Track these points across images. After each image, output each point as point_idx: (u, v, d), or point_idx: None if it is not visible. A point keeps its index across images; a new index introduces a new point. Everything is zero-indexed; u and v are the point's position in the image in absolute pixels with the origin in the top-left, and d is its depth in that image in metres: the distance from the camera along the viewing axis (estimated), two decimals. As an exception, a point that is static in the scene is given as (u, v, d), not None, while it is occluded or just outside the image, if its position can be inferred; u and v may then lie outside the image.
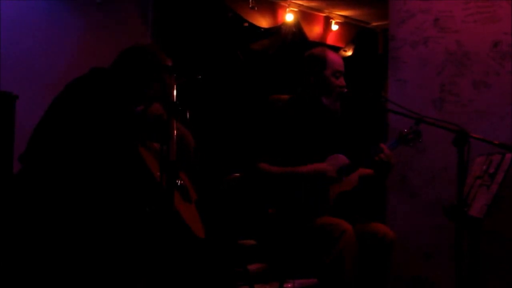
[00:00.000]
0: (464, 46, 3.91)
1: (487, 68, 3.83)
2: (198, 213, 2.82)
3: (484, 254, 3.36)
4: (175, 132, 2.56)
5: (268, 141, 3.17)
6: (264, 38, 6.09)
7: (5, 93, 3.45)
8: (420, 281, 3.98)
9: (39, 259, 2.46)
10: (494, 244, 3.63)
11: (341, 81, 3.25)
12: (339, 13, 6.79)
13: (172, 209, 2.34)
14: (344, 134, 3.34)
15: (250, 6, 5.87)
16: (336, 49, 6.62)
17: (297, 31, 6.34)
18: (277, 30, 6.20)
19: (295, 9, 6.34)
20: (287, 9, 6.28)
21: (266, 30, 6.12)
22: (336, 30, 6.82)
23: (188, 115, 2.69)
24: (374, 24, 7.15)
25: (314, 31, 6.67)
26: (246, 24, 5.90)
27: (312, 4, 6.48)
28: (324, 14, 6.74)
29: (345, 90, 3.23)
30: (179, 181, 2.74)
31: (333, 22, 6.78)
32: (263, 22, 6.16)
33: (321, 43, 6.57)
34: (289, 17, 6.27)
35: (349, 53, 6.86)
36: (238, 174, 3.44)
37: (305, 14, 6.54)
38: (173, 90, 2.50)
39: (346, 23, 6.93)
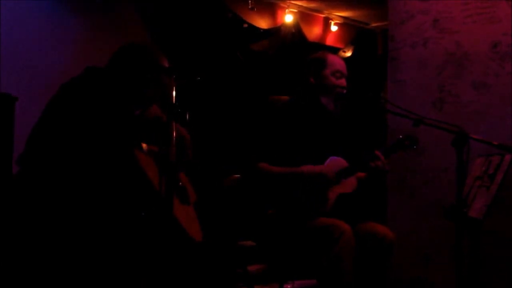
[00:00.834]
0: (463, 47, 3.91)
1: (486, 69, 3.83)
2: (196, 215, 2.82)
3: (484, 255, 3.36)
4: (174, 133, 2.56)
5: (267, 142, 3.17)
6: (264, 39, 6.09)
7: (5, 94, 3.45)
8: (420, 282, 3.97)
9: (38, 260, 2.46)
10: (494, 244, 3.63)
11: (342, 82, 3.25)
12: (338, 14, 6.79)
13: (170, 212, 2.34)
14: (343, 135, 3.34)
15: (250, 7, 5.87)
16: (335, 50, 6.63)
17: (296, 32, 6.35)
18: (277, 31, 6.21)
19: (295, 10, 6.35)
20: (287, 10, 6.29)
21: (266, 31, 6.12)
22: (336, 31, 6.82)
23: (187, 116, 2.69)
24: (374, 25, 7.15)
25: (313, 32, 6.68)
26: (246, 25, 5.90)
27: (312, 5, 6.49)
28: (324, 15, 6.74)
29: (344, 91, 3.24)
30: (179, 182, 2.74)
31: (333, 23, 6.78)
32: (263, 23, 6.16)
33: (320, 44, 6.58)
34: (288, 18, 6.28)
35: (349, 54, 6.87)
36: (237, 175, 3.44)
37: (305, 15, 6.54)
38: (173, 91, 2.49)
39: (345, 24, 6.93)
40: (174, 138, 2.42)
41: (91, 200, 2.46)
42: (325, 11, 6.70)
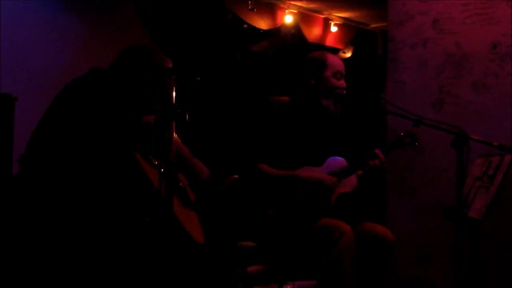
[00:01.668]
0: (463, 48, 3.92)
1: (486, 69, 3.83)
2: (197, 218, 2.82)
3: (484, 255, 3.36)
4: (174, 134, 2.56)
5: (267, 143, 3.17)
6: (264, 39, 6.09)
7: (5, 95, 3.45)
8: (419, 282, 3.98)
9: (38, 261, 2.45)
10: (494, 245, 3.63)
11: (342, 83, 3.25)
12: (338, 14, 6.79)
13: (171, 215, 2.34)
14: (343, 135, 3.34)
15: (250, 7, 5.87)
16: (335, 50, 6.62)
17: (296, 33, 6.34)
18: (276, 32, 6.20)
19: (294, 11, 6.34)
20: (286, 11, 6.28)
21: (265, 31, 6.12)
22: (335, 31, 6.82)
23: (187, 117, 2.69)
24: (373, 25, 7.15)
25: (313, 32, 6.68)
26: (246, 26, 5.90)
27: (311, 5, 6.48)
28: (323, 16, 6.74)
29: (344, 92, 3.24)
30: (178, 183, 2.74)
31: (332, 23, 6.78)
32: (262, 23, 6.16)
33: (320, 45, 6.57)
34: (288, 19, 6.27)
35: (348, 54, 6.86)
36: (237, 176, 3.43)
37: (304, 16, 6.54)
38: (173, 91, 2.50)
39: (345, 25, 6.93)
40: (174, 139, 2.42)
41: (91, 201, 2.46)
42: (325, 12, 6.70)
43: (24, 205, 2.51)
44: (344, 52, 6.85)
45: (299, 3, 6.36)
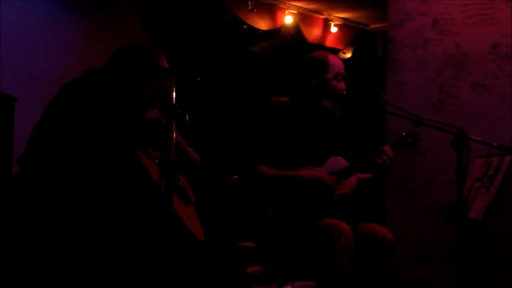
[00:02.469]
0: (463, 48, 3.92)
1: (486, 70, 3.83)
2: (197, 216, 2.82)
3: (484, 256, 3.36)
4: (174, 135, 2.56)
5: (267, 144, 3.17)
6: (263, 40, 6.09)
7: (4, 95, 3.45)
8: (419, 283, 3.97)
9: (38, 262, 2.45)
10: (494, 245, 3.63)
11: (342, 84, 3.25)
12: (338, 15, 6.79)
13: (171, 211, 2.34)
14: (343, 136, 3.34)
15: (249, 8, 5.87)
16: (335, 51, 6.62)
17: (296, 33, 6.35)
18: (276, 32, 6.21)
19: (294, 11, 6.35)
20: (286, 11, 6.29)
21: (265, 32, 6.12)
22: (335, 32, 6.82)
23: (187, 118, 2.69)
24: (373, 26, 7.15)
25: (313, 33, 6.68)
26: (245, 26, 5.90)
27: (311, 6, 6.49)
28: (323, 16, 6.75)
29: (344, 93, 3.23)
30: (179, 183, 2.74)
31: (332, 24, 6.78)
32: (262, 24, 6.16)
33: (320, 45, 6.58)
34: (288, 19, 6.28)
35: (348, 55, 6.87)
36: (236, 177, 3.43)
37: (304, 16, 6.54)
38: (172, 92, 2.49)
39: (345, 25, 6.94)
40: (174, 140, 2.42)
41: (92, 201, 2.46)
42: (325, 13, 6.71)
43: (24, 204, 2.51)
44: (344, 53, 6.85)
45: (299, 4, 6.37)
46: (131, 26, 5.06)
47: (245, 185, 3.32)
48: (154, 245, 2.40)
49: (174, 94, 2.46)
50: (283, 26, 6.26)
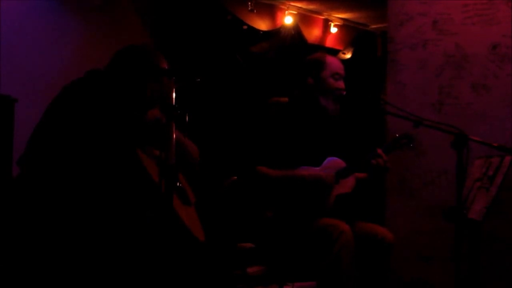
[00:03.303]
0: (463, 49, 3.92)
1: (486, 70, 3.83)
2: (197, 216, 2.82)
3: (484, 256, 3.36)
4: (174, 135, 2.56)
5: (266, 144, 3.17)
6: (263, 41, 6.09)
7: (4, 96, 3.46)
8: (419, 283, 3.97)
9: (39, 263, 2.45)
10: (494, 246, 3.63)
11: (340, 84, 3.26)
12: (338, 15, 6.79)
13: (171, 211, 2.34)
14: (342, 136, 3.34)
15: (249, 8, 5.88)
16: (335, 51, 6.63)
17: (296, 34, 6.35)
18: (276, 33, 6.21)
19: (294, 12, 6.35)
20: (286, 12, 6.29)
21: (265, 32, 6.12)
22: (335, 32, 6.82)
23: (187, 118, 2.69)
24: (373, 26, 7.15)
25: (313, 33, 6.68)
26: (245, 27, 5.90)
27: (311, 6, 6.49)
28: (323, 17, 6.75)
29: (344, 93, 3.24)
30: (178, 183, 2.74)
31: (332, 24, 6.78)
32: (262, 25, 6.16)
33: (320, 46, 6.58)
34: (288, 20, 6.28)
35: (348, 55, 6.87)
36: (236, 177, 3.44)
37: (304, 17, 6.55)
38: (172, 92, 2.50)
39: (345, 26, 6.94)
40: (174, 140, 2.42)
41: (92, 202, 2.46)
42: (325, 13, 6.71)
43: (24, 205, 2.50)
44: (344, 53, 6.85)
45: (299, 4, 6.37)
46: (131, 26, 5.06)
47: (245, 185, 3.33)
48: (154, 246, 2.40)
49: (174, 94, 2.46)
50: (283, 27, 6.26)
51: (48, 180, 2.48)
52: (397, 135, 3.17)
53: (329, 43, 6.84)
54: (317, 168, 3.16)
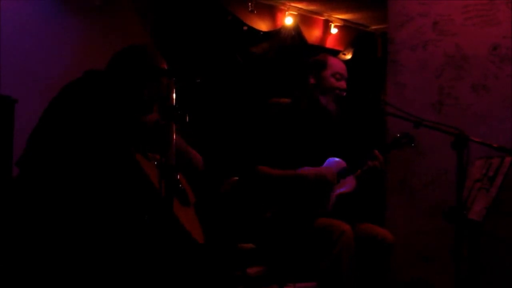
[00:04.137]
0: (463, 49, 3.92)
1: (486, 71, 3.83)
2: (197, 217, 2.82)
3: (484, 257, 3.36)
4: (174, 137, 2.56)
5: (267, 144, 3.17)
6: (264, 41, 6.09)
7: (4, 96, 3.46)
8: (419, 283, 3.97)
9: (38, 263, 2.45)
10: (494, 246, 3.63)
11: (341, 84, 3.26)
12: (338, 16, 6.79)
13: (171, 214, 2.34)
14: (343, 136, 3.34)
15: (250, 9, 5.88)
16: (335, 52, 6.63)
17: (296, 35, 6.35)
18: (277, 34, 6.21)
19: (295, 13, 6.35)
20: (287, 13, 6.29)
21: (266, 33, 6.12)
22: (335, 33, 6.83)
23: (187, 119, 2.69)
24: (373, 27, 7.15)
25: (313, 34, 6.68)
26: (246, 28, 5.90)
27: (312, 7, 6.49)
28: (323, 18, 6.75)
29: (344, 93, 3.25)
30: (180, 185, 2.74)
31: (332, 25, 6.78)
32: (263, 25, 6.16)
33: (320, 47, 6.58)
34: (288, 21, 6.28)
35: (348, 56, 6.87)
36: (236, 177, 3.43)
37: (305, 18, 6.55)
38: (172, 93, 2.50)
39: (345, 27, 6.94)
40: (174, 141, 2.42)
41: (92, 203, 2.46)
42: (325, 14, 6.71)
43: (24, 206, 2.50)
44: (344, 54, 6.85)
45: (299, 5, 6.37)
46: (131, 26, 5.06)
47: (246, 185, 3.33)
48: (153, 248, 2.40)
49: (174, 95, 2.46)
50: (283, 27, 6.26)
51: (47, 181, 2.48)
52: (397, 135, 3.17)
53: (329, 43, 6.84)
54: (318, 168, 3.16)
